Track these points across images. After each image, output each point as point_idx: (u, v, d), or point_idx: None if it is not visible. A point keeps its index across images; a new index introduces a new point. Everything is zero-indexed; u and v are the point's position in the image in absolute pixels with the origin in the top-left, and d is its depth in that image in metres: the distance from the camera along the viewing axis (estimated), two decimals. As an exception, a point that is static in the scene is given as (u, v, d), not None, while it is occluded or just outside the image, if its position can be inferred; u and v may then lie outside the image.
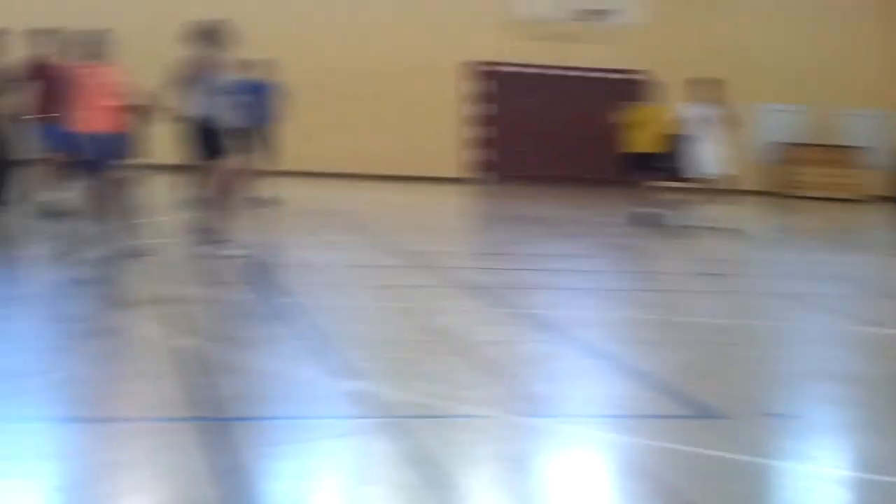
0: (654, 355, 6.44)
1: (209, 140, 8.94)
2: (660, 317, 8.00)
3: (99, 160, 7.99)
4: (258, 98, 12.28)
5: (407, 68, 16.44)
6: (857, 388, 6.09)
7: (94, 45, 8.35)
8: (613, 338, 7.09)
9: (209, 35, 8.96)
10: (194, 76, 8.87)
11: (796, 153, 20.78)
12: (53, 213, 9.87)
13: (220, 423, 4.58)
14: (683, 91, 12.33)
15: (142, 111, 8.95)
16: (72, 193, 9.14)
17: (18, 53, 9.83)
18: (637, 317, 7.87)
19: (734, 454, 4.51)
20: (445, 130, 19.70)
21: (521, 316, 7.44)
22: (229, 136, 9.22)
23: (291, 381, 5.39)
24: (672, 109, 12.49)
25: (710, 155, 12.17)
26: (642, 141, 12.59)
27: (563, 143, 20.02)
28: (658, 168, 12.55)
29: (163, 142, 9.35)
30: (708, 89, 12.15)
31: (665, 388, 5.63)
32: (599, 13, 19.39)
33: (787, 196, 20.30)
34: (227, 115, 9.15)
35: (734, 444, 4.72)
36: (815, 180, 19.65)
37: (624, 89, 16.70)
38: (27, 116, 9.60)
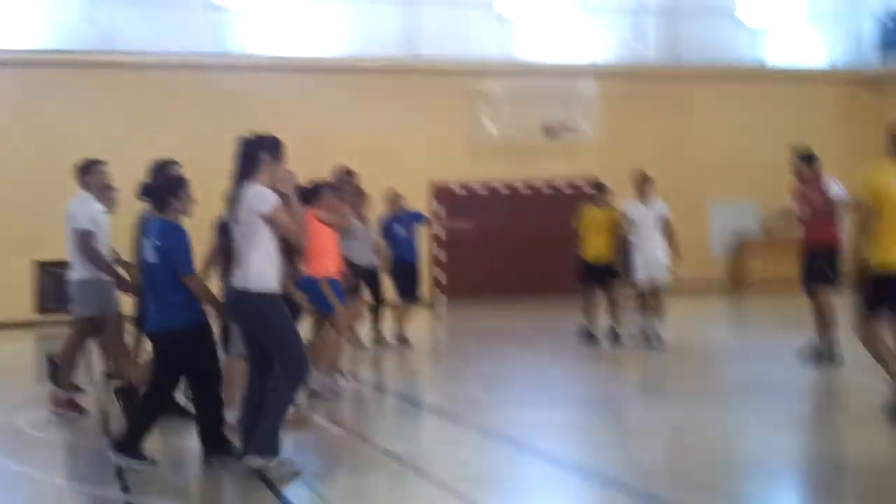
0: (609, 458, 6.59)
1: None
2: (612, 419, 8.14)
3: None
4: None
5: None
6: (807, 472, 6.25)
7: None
8: (569, 443, 7.21)
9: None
10: None
11: (749, 247, 21.35)
12: None
13: None
14: (631, 190, 12.47)
15: None
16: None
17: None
18: (589, 420, 7.99)
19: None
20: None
21: (475, 432, 7.55)
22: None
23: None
24: (619, 211, 12.65)
25: (660, 258, 12.22)
26: (596, 248, 12.63)
27: (522, 255, 20.43)
28: (611, 276, 12.62)
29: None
30: (643, 184, 12.27)
31: (622, 486, 5.75)
32: (551, 129, 20.19)
33: (742, 289, 20.81)
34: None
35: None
36: (769, 272, 20.10)
37: (578, 201, 17.14)
38: None
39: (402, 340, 12.94)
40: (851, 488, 5.86)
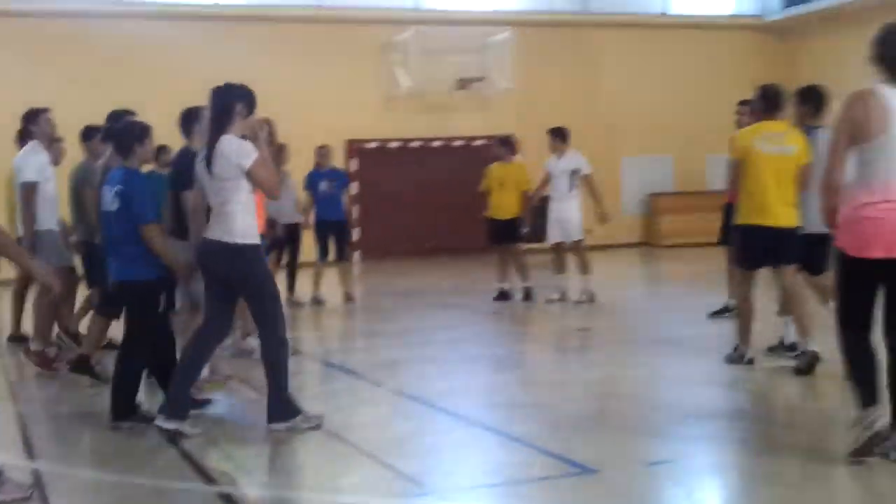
0: (526, 417, 6.62)
1: None
2: (529, 378, 8.20)
3: None
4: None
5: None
6: (728, 427, 6.37)
7: None
8: (484, 404, 7.23)
9: None
10: None
11: (664, 203, 21.61)
12: None
13: None
14: (548, 145, 12.53)
15: None
16: None
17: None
18: (506, 380, 8.04)
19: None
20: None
21: (392, 393, 7.52)
22: None
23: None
24: (527, 169, 12.70)
25: (571, 215, 12.31)
26: (505, 205, 12.66)
27: (436, 213, 20.35)
28: (521, 234, 12.66)
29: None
30: (560, 140, 12.38)
31: (540, 448, 5.79)
32: (467, 81, 20.05)
33: (658, 245, 21.04)
34: None
35: (612, 498, 4.89)
36: (684, 227, 20.41)
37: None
38: None
39: (317, 300, 12.83)
40: (766, 439, 5.96)
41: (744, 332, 8.02)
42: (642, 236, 22.01)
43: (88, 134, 8.72)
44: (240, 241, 6.09)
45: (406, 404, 7.22)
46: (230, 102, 6.15)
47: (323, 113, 19.17)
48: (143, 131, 6.69)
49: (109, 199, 6.51)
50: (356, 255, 19.83)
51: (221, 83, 6.27)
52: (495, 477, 5.50)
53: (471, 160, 19.65)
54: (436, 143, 20.69)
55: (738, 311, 8.17)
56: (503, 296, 12.65)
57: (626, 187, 21.93)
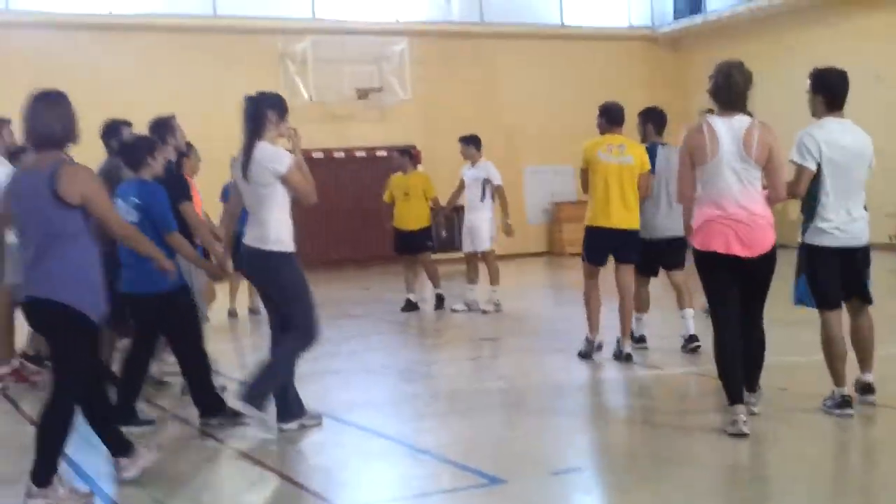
0: (433, 429, 6.57)
1: None
2: (435, 389, 8.13)
3: None
4: None
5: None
6: (634, 434, 6.39)
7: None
8: (391, 416, 7.14)
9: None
10: None
11: (567, 211, 21.78)
12: None
13: None
14: (460, 153, 12.40)
15: None
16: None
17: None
18: (414, 392, 7.96)
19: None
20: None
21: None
22: None
23: None
24: (430, 178, 12.69)
25: (480, 224, 12.26)
26: (411, 215, 12.59)
27: (339, 224, 20.18)
28: (429, 244, 12.64)
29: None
30: (472, 148, 12.28)
31: (448, 460, 5.73)
32: (365, 91, 19.95)
33: (561, 254, 21.20)
34: None
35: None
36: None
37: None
38: None
39: (232, 313, 12.56)
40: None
41: (590, 321, 8.57)
42: (546, 245, 22.17)
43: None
44: (271, 248, 6.21)
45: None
46: (262, 110, 6.33)
47: (222, 123, 18.74)
48: (153, 145, 6.78)
49: (125, 212, 6.43)
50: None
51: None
52: (403, 490, 5.41)
53: (373, 170, 19.58)
54: (338, 154, 20.54)
55: (585, 304, 8.65)
56: (410, 306, 12.57)
57: (529, 197, 22.07)
